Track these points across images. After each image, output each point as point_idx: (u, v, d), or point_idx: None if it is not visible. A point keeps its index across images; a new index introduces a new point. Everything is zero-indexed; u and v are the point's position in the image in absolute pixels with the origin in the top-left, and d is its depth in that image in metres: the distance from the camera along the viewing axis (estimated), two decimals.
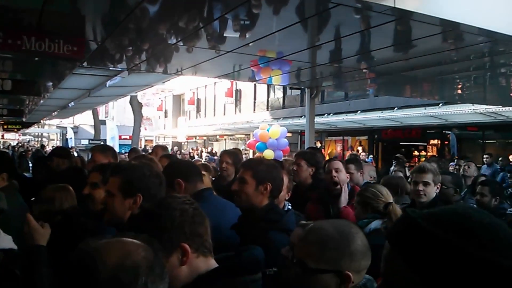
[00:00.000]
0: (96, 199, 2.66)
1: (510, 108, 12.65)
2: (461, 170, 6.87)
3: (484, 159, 11.57)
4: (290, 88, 24.59)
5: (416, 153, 20.39)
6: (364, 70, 7.75)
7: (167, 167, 2.95)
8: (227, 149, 6.08)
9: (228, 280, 1.55)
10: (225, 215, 2.67)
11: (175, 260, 1.52)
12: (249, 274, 1.61)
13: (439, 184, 3.55)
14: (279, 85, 19.08)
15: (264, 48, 6.35)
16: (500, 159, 11.35)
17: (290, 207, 3.05)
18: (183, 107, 43.11)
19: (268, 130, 12.20)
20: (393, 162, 9.30)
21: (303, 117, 20.19)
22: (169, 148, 34.95)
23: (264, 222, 2.42)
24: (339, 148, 24.70)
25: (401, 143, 21.02)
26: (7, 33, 4.91)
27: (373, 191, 3.15)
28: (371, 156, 19.65)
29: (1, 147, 32.64)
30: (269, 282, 2.01)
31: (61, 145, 37.14)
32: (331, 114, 20.61)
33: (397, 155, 9.90)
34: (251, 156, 22.07)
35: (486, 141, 17.91)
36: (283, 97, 27.95)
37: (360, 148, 22.30)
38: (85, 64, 7.64)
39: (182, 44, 5.99)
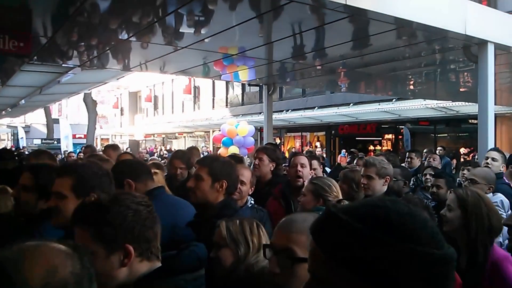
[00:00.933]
0: (28, 203, 2.51)
1: (460, 103, 13.17)
2: (419, 162, 6.98)
3: (438, 151, 12.01)
4: (249, 85, 24.71)
5: (371, 147, 20.90)
6: (318, 67, 7.85)
7: (115, 167, 2.85)
8: (178, 150, 5.89)
9: (163, 281, 1.51)
10: (179, 213, 2.63)
11: (115, 260, 1.47)
12: (189, 272, 1.57)
13: (388, 177, 3.64)
14: (236, 81, 19.07)
15: (220, 44, 6.30)
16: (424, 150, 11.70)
17: (252, 202, 3.05)
18: (140, 104, 42.28)
19: (236, 127, 12.16)
20: (349, 156, 9.49)
21: (262, 113, 20.27)
22: (126, 146, 34.22)
23: (219, 218, 2.41)
24: (298, 144, 24.99)
25: (357, 138, 21.48)
26: None
27: (328, 184, 3.16)
28: (344, 150, 19.82)
29: None
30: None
31: (12, 145, 35.65)
32: (289, 110, 20.80)
33: (351, 149, 10.10)
34: (211, 151, 21.97)
35: (438, 135, 18.59)
36: (242, 94, 27.94)
37: (318, 144, 22.64)
38: (35, 60, 7.35)
39: (135, 39, 5.85)
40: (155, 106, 38.90)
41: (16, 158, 6.39)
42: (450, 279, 0.89)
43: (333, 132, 22.46)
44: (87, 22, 5.22)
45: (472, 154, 14.54)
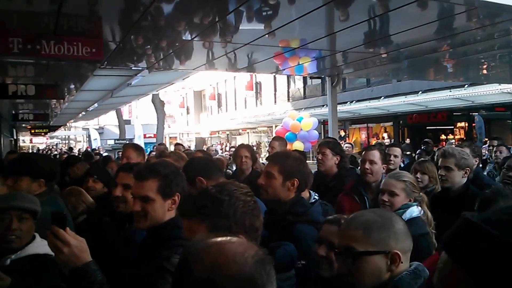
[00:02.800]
0: (129, 201, 2.54)
1: None
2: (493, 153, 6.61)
3: None
4: (311, 78, 24.47)
5: (443, 137, 19.97)
6: (384, 55, 7.59)
7: (187, 165, 2.87)
8: (243, 143, 6.20)
9: None
10: None
11: None
12: (283, 271, 1.56)
13: (468, 168, 3.45)
14: (298, 75, 18.93)
15: (282, 38, 6.27)
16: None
17: (316, 197, 2.99)
18: (204, 103, 43.33)
19: (299, 120, 11.90)
20: (422, 147, 9.11)
21: (325, 106, 19.99)
22: (193, 143, 35.16)
23: (291, 215, 2.38)
24: (363, 135, 24.41)
25: (427, 128, 20.63)
26: (25, 39, 4.95)
27: (415, 180, 3.03)
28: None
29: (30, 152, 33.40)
30: (298, 275, 1.97)
31: (88, 146, 37.89)
32: (354, 101, 20.35)
33: (425, 140, 9.69)
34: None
35: None
36: (304, 87, 27.74)
37: (385, 135, 22.00)
38: (106, 65, 7.70)
39: (198, 39, 5.96)
40: (218, 103, 39.68)
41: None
42: None
43: (401, 122, 21.71)
44: (153, 26, 5.39)
45: None
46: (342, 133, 22.74)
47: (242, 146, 5.14)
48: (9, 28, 4.99)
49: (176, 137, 44.14)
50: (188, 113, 45.60)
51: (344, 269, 1.55)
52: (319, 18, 5.26)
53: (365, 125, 24.16)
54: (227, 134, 39.53)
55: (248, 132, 36.11)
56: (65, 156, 15.19)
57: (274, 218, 2.46)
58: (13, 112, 16.14)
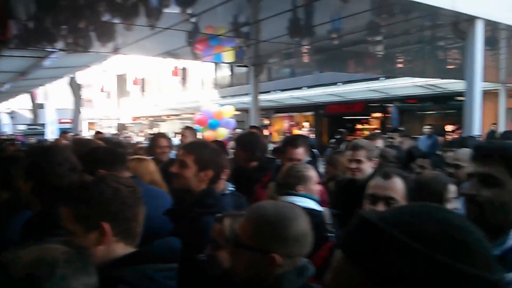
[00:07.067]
0: None
1: (447, 80, 13.15)
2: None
3: (425, 130, 11.67)
4: (237, 66, 24.41)
5: (359, 126, 20.91)
6: (306, 47, 7.74)
7: (87, 155, 2.61)
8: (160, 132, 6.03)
9: (131, 268, 1.47)
10: (155, 203, 2.45)
11: (92, 238, 1.47)
12: (162, 262, 1.52)
13: (375, 159, 3.46)
14: (224, 63, 18.80)
15: (205, 24, 6.16)
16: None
17: (232, 188, 2.93)
18: (126, 87, 41.77)
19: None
20: (336, 136, 9.46)
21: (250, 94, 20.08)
22: (114, 130, 33.87)
23: (198, 207, 2.29)
24: (286, 124, 24.90)
25: (344, 117, 21.47)
26: None
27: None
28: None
29: None
30: (202, 267, 1.93)
31: None
32: (278, 91, 20.65)
33: (340, 129, 10.03)
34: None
35: (426, 113, 18.63)
36: (231, 75, 27.65)
37: (306, 124, 22.62)
38: (15, 45, 7.15)
39: (118, 21, 5.69)
40: (142, 88, 38.46)
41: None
42: None
43: (321, 111, 22.41)
44: (69, 6, 5.06)
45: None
46: (266, 122, 23.01)
47: (160, 135, 5.02)
48: None
49: (95, 123, 42.22)
50: (109, 97, 43.72)
51: (230, 255, 1.63)
52: (241, 6, 5.23)
53: (288, 114, 24.65)
54: (151, 121, 38.46)
55: (172, 119, 35.38)
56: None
57: (181, 209, 2.37)
58: None
